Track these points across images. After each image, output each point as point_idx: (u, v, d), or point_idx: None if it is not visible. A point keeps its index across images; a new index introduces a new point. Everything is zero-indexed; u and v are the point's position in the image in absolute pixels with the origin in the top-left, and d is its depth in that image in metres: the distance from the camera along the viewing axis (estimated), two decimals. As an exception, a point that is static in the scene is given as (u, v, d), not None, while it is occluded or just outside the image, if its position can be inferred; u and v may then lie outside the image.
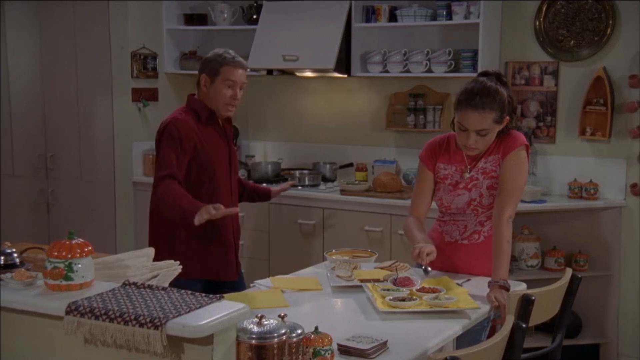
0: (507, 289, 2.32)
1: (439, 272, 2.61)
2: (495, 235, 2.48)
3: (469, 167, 2.60)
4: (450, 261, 2.65)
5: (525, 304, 1.95)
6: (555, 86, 4.10)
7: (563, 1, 4.02)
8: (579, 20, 3.99)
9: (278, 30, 4.42)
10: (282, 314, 1.79)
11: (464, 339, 2.29)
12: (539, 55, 4.12)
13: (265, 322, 1.72)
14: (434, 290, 2.33)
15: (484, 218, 2.62)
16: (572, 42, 4.03)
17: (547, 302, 2.20)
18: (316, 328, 1.83)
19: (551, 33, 4.07)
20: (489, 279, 2.44)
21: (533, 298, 1.96)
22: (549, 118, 4.14)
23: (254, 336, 1.68)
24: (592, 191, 3.94)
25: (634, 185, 3.91)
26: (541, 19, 4.07)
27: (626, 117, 3.92)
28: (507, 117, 2.52)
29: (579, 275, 2.32)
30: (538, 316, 2.18)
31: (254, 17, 4.65)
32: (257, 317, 1.73)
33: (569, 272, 2.32)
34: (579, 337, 4.03)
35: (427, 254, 2.44)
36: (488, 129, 2.47)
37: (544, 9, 4.06)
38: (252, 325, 1.70)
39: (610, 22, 3.90)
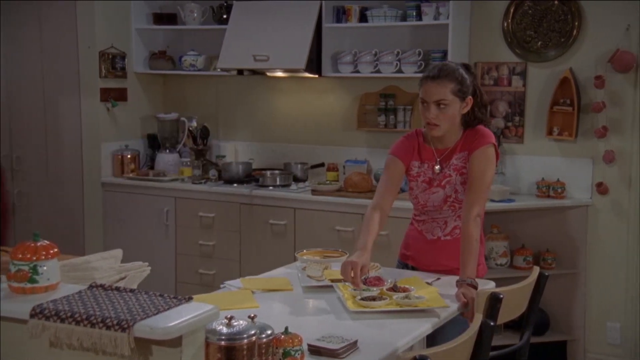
0: (475, 287, 2.33)
1: (428, 274, 2.63)
2: (463, 233, 2.48)
3: (438, 159, 2.60)
4: (436, 260, 2.66)
5: (494, 302, 1.97)
6: (524, 87, 4.16)
7: (530, 2, 4.07)
8: (546, 21, 4.05)
9: (248, 30, 4.40)
10: (252, 315, 1.78)
11: (451, 332, 2.25)
12: (507, 56, 4.17)
13: (235, 323, 1.71)
14: (404, 290, 2.34)
15: (459, 211, 2.62)
16: (540, 43, 4.08)
17: (515, 300, 2.22)
18: (286, 328, 1.82)
19: (519, 34, 4.12)
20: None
21: (501, 296, 1.98)
22: (517, 118, 4.19)
23: (223, 337, 1.67)
24: (559, 190, 4.00)
25: (599, 185, 3.98)
26: (509, 20, 4.12)
27: (592, 117, 3.98)
28: (470, 98, 2.52)
29: (546, 274, 2.35)
30: (506, 314, 2.20)
31: (224, 16, 4.63)
32: (226, 318, 1.72)
33: (536, 270, 2.35)
34: (547, 335, 4.08)
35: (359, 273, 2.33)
36: (447, 101, 2.48)
37: (512, 10, 4.11)
38: (221, 327, 1.69)
39: (576, 23, 3.96)
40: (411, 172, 2.66)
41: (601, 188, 3.98)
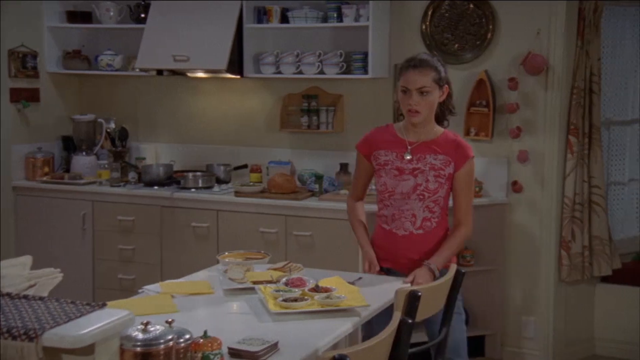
0: (433, 274, 2.54)
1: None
2: (453, 230, 2.69)
3: (409, 148, 2.65)
4: (413, 255, 2.66)
5: (412, 300, 2.00)
6: (442, 88, 4.24)
7: (447, 6, 4.17)
8: (462, 24, 4.15)
9: (167, 29, 4.32)
10: (170, 320, 1.75)
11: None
12: (426, 58, 4.25)
13: (151, 329, 1.67)
14: (325, 290, 2.35)
15: (431, 203, 2.66)
16: (456, 45, 4.18)
17: (433, 297, 2.27)
18: (205, 332, 1.79)
19: (437, 36, 4.21)
20: (385, 276, 2.61)
21: (419, 294, 2.01)
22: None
23: (138, 343, 1.63)
24: (477, 189, 4.11)
25: (514, 183, 4.12)
26: (427, 23, 4.20)
27: (507, 117, 4.11)
28: (447, 87, 2.64)
29: (463, 271, 2.41)
30: (425, 311, 2.24)
31: (142, 15, 4.52)
32: (142, 323, 1.68)
33: (453, 267, 2.40)
34: (466, 330, 4.18)
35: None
36: (428, 88, 2.58)
37: (430, 13, 4.19)
38: (136, 333, 1.65)
39: (491, 27, 4.08)
40: (378, 161, 2.71)
41: (516, 186, 4.11)
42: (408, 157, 2.65)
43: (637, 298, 4.17)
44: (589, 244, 4.09)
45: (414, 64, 2.61)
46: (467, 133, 4.16)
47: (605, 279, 4.23)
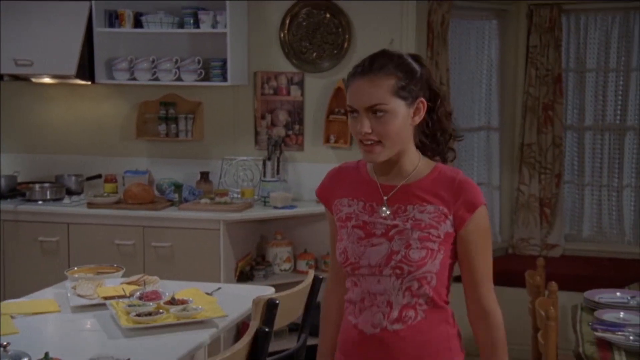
0: None
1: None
2: (481, 334, 1.73)
3: (385, 198, 1.72)
4: None
5: (270, 308, 1.98)
6: (302, 96, 4.28)
7: (304, 15, 4.22)
8: (319, 33, 4.21)
9: (8, 32, 4.03)
10: (5, 343, 1.61)
11: None
12: (285, 66, 4.27)
13: (-18, 354, 1.52)
14: (182, 302, 2.28)
15: (415, 283, 1.68)
16: (315, 54, 4.24)
17: (292, 304, 2.26)
18: (46, 354, 1.68)
19: (295, 45, 4.24)
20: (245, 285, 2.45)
21: (277, 302, 1.99)
22: (297, 126, 4.30)
23: (-34, 372, 1.47)
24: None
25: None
26: (285, 31, 4.23)
27: (364, 125, 4.21)
28: (423, 101, 1.70)
29: (321, 277, 2.42)
30: (285, 318, 2.23)
31: (-21, 16, 4.19)
32: (-29, 349, 1.52)
33: (311, 274, 2.41)
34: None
35: None
36: (384, 105, 1.64)
37: (288, 21, 4.22)
38: (-36, 360, 1.49)
39: (347, 36, 4.17)
40: (339, 215, 1.78)
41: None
42: (385, 214, 1.71)
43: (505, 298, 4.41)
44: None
45: (362, 70, 1.69)
46: (327, 140, 4.22)
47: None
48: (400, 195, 1.72)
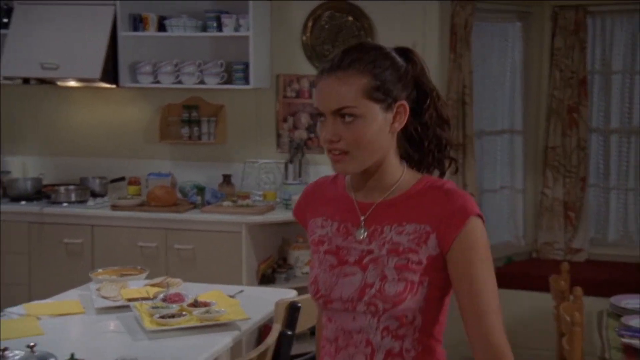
0: None
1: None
2: None
3: (362, 218, 1.46)
4: None
5: (292, 312, 1.98)
6: (323, 99, 4.28)
7: (327, 18, 4.22)
8: (341, 36, 4.21)
9: (34, 35, 4.08)
10: (32, 344, 1.63)
11: None
12: (307, 69, 4.28)
13: (9, 355, 1.56)
14: (205, 304, 2.29)
15: (394, 322, 1.41)
16: (337, 57, 4.24)
17: (314, 307, 2.24)
18: (72, 355, 1.69)
19: (317, 48, 4.24)
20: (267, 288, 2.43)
21: (299, 305, 1.99)
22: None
23: (-7, 372, 1.49)
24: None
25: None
26: (308, 34, 4.23)
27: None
28: (404, 104, 1.42)
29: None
30: (307, 322, 2.22)
31: (4, 20, 4.24)
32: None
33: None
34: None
35: None
36: (353, 108, 1.38)
37: (310, 24, 4.23)
38: (-8, 360, 1.51)
39: (369, 39, 4.16)
40: (312, 237, 1.53)
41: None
42: (361, 236, 1.45)
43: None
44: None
45: (329, 67, 1.41)
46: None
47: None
48: (378, 214, 1.44)
